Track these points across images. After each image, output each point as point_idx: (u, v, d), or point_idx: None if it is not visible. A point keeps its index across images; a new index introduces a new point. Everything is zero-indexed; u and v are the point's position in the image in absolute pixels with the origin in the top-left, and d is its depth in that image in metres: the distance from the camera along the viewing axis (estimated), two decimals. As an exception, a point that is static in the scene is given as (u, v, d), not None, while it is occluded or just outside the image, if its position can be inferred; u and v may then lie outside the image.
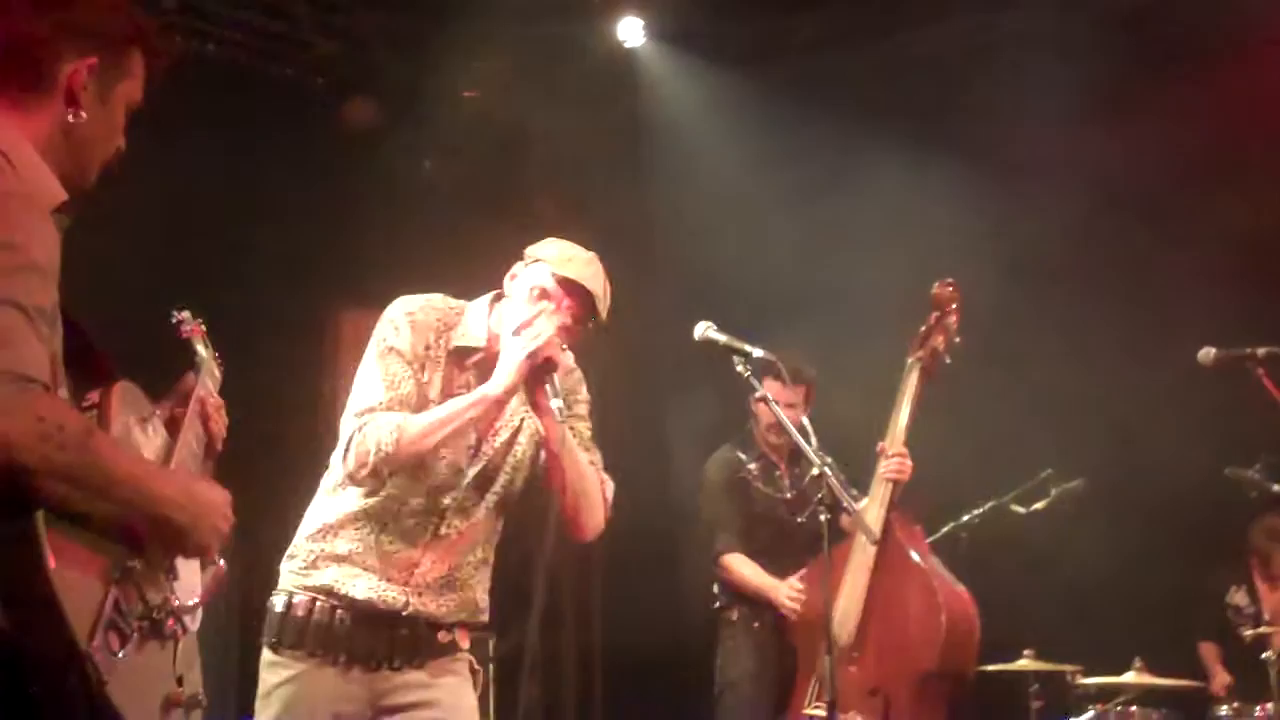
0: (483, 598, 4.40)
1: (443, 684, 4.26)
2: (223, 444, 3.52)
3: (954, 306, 6.43)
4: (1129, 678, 6.46)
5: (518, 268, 4.34)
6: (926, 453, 6.43)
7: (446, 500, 4.26)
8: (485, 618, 4.43)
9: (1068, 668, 6.58)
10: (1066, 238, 7.66)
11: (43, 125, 2.84)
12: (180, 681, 2.88)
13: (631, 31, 8.70)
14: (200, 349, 3.86)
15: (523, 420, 4.37)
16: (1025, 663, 6.53)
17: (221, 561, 3.12)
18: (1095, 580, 7.27)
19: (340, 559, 4.19)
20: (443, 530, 4.25)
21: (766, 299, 7.93)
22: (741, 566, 6.79)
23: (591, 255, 4.39)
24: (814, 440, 5.41)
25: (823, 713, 5.82)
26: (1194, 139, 7.53)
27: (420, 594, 4.21)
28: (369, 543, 4.19)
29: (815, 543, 6.61)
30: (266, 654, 4.23)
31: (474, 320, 4.32)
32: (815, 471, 5.30)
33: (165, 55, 3.04)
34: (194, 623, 3.01)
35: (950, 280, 6.49)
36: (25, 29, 2.84)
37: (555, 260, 4.29)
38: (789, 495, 6.91)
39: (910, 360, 6.43)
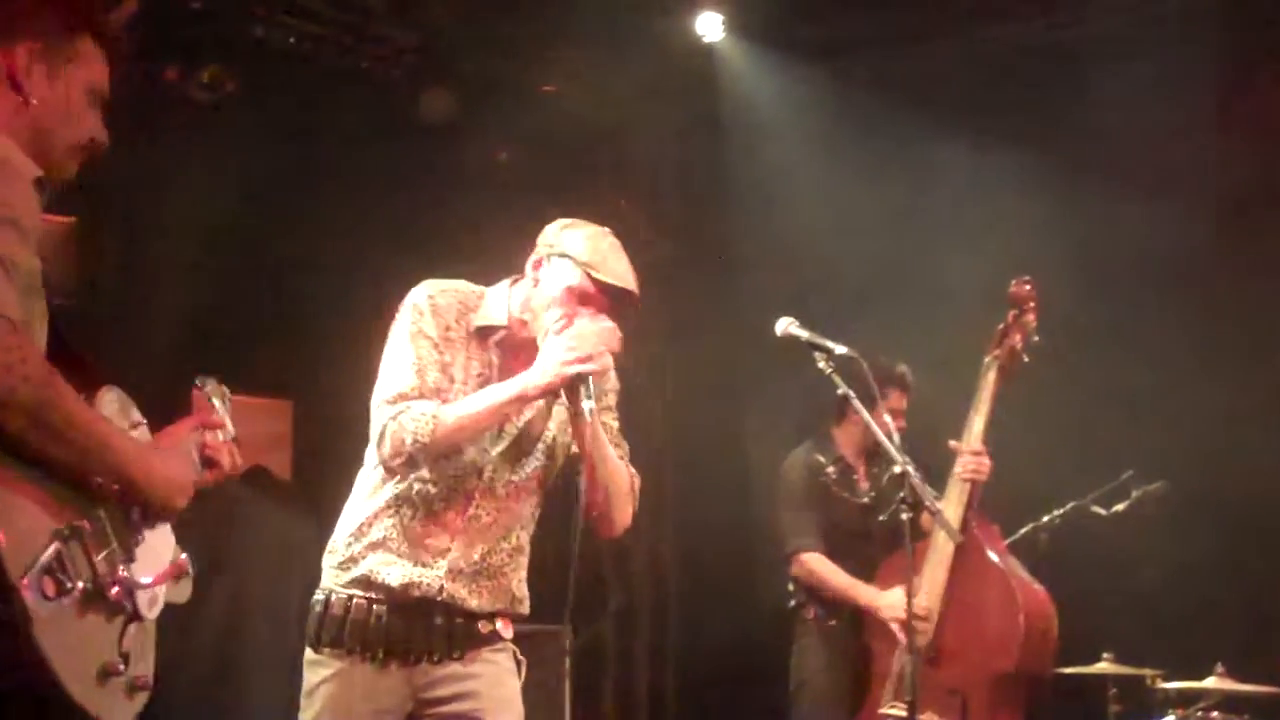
0: (519, 587, 4.45)
1: (482, 673, 4.29)
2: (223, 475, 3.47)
3: (1031, 305, 6.39)
4: (1210, 683, 6.38)
5: (543, 252, 4.27)
6: (1007, 452, 6.41)
7: (475, 481, 4.25)
8: (525, 608, 4.48)
9: (1147, 672, 6.51)
10: (1151, 236, 7.56)
11: (2, 113, 2.97)
12: (125, 660, 2.90)
13: (710, 26, 8.66)
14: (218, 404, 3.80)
15: (551, 405, 4.35)
16: (1104, 666, 6.48)
17: (184, 555, 3.21)
18: (1177, 583, 7.19)
19: (375, 546, 4.20)
20: (472, 512, 4.25)
21: (845, 294, 7.89)
22: (821, 567, 6.75)
23: (613, 239, 4.31)
24: (897, 438, 5.39)
25: (901, 712, 5.82)
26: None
27: (454, 579, 4.21)
28: (401, 527, 4.20)
29: (889, 542, 6.62)
30: (308, 653, 4.25)
31: (494, 302, 4.31)
32: (897, 470, 5.27)
33: (119, 38, 3.16)
34: (150, 609, 3.05)
35: (1027, 278, 6.44)
36: None
37: (590, 260, 4.19)
38: (865, 500, 6.88)
39: (988, 359, 6.41)
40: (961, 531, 6.24)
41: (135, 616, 2.97)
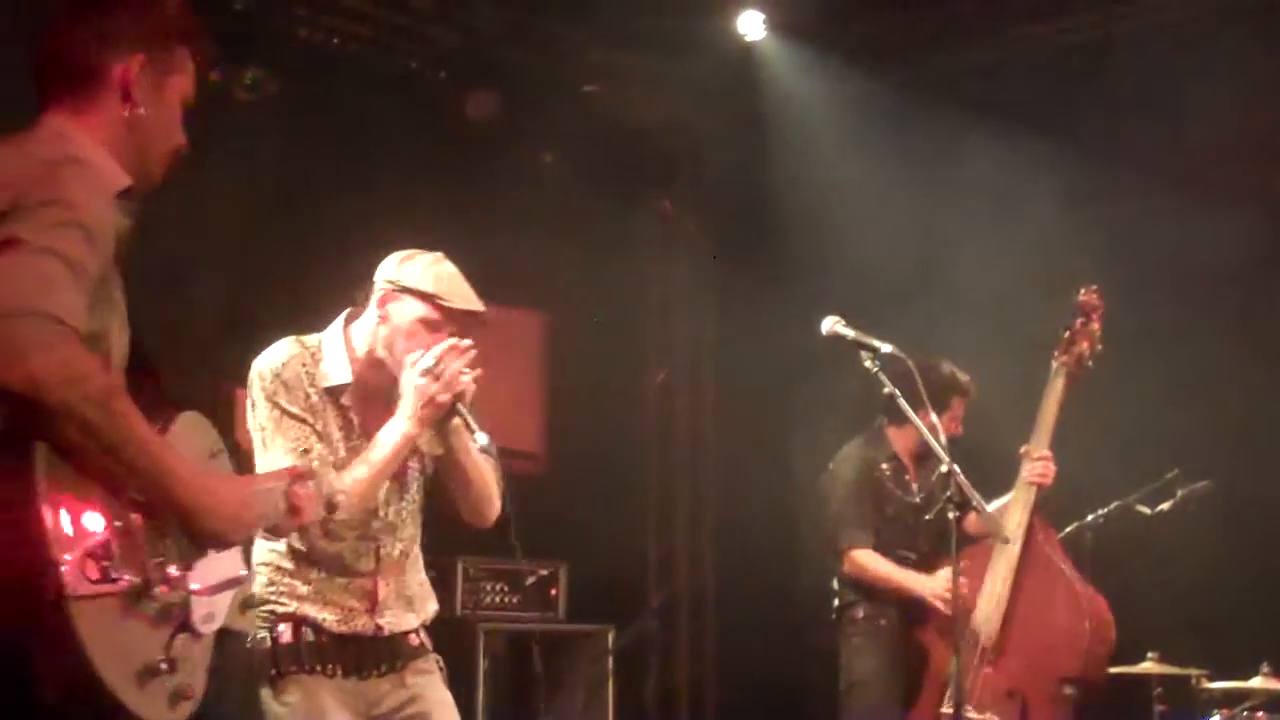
0: (426, 592, 4.57)
1: (420, 682, 4.44)
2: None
3: (1098, 312, 6.50)
4: (1256, 683, 6.35)
5: (386, 288, 4.32)
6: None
7: (374, 524, 4.38)
8: (435, 607, 4.60)
9: (1193, 671, 6.49)
10: (1194, 237, 7.53)
11: (104, 124, 3.03)
12: (171, 665, 2.89)
13: (752, 25, 8.66)
14: None
15: None
16: (1149, 665, 6.46)
17: (243, 570, 3.23)
18: (1222, 583, 7.15)
19: (303, 599, 4.31)
20: (383, 552, 4.39)
21: (888, 293, 7.87)
22: (873, 562, 6.72)
23: (449, 264, 4.39)
24: (943, 438, 5.39)
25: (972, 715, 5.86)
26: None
27: (384, 614, 4.37)
28: (324, 584, 4.32)
29: (936, 543, 6.61)
30: (265, 694, 4.30)
31: (332, 355, 4.36)
32: (944, 469, 5.28)
33: (208, 51, 3.23)
34: (205, 624, 3.04)
35: (1095, 287, 6.56)
36: (70, 38, 3.04)
37: (435, 290, 4.28)
38: (916, 500, 6.87)
39: (1055, 364, 6.47)
40: (1027, 535, 6.34)
41: (187, 626, 2.97)
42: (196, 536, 2.99)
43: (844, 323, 5.52)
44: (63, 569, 2.61)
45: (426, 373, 4.19)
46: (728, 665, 9.48)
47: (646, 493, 9.76)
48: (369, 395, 4.35)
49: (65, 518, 2.66)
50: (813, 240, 8.73)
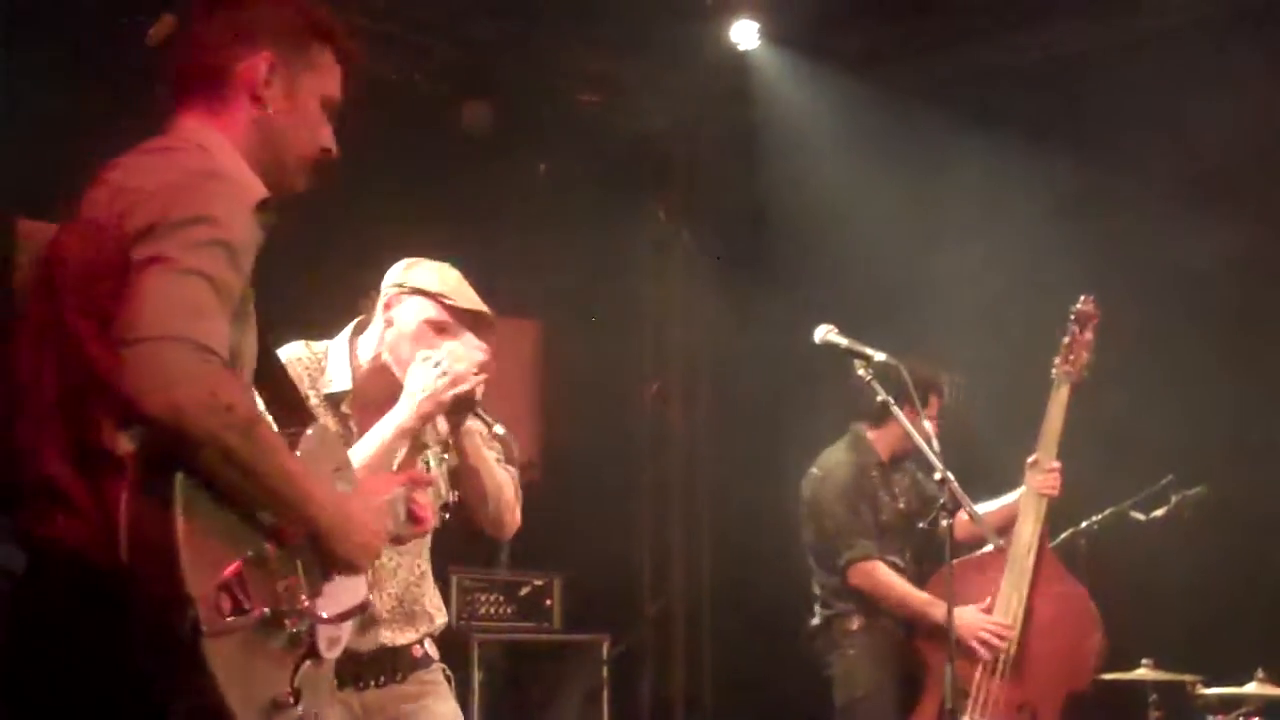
0: (433, 606, 4.50)
1: (422, 693, 4.38)
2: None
3: (1094, 322, 6.54)
4: (1251, 689, 6.35)
5: (392, 292, 4.32)
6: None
7: None
8: (442, 619, 4.53)
9: (1188, 678, 6.48)
10: (1185, 243, 7.55)
11: (237, 125, 2.98)
12: (296, 696, 2.86)
13: (746, 35, 8.68)
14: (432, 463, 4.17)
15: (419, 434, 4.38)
16: (1144, 672, 6.45)
17: (366, 595, 3.20)
18: (1217, 589, 7.15)
19: None
20: (377, 564, 4.24)
21: (882, 301, 7.89)
22: (889, 578, 6.61)
23: (456, 270, 4.39)
24: (936, 444, 5.40)
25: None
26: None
27: (380, 630, 4.30)
28: None
29: (924, 549, 6.62)
30: None
31: (336, 363, 4.33)
32: (937, 476, 5.29)
33: (354, 50, 3.15)
34: (329, 649, 3.01)
35: (1091, 296, 6.58)
36: (199, 36, 3.00)
37: (441, 290, 4.27)
38: (901, 504, 6.86)
39: (1057, 374, 6.49)
40: (1039, 547, 6.38)
41: (312, 653, 2.92)
42: (328, 561, 2.95)
43: (837, 331, 5.54)
44: (199, 604, 2.58)
45: (434, 366, 4.14)
46: (723, 675, 9.47)
47: (641, 502, 9.76)
48: (369, 404, 4.29)
49: (202, 550, 2.62)
50: (807, 249, 8.75)
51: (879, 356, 5.47)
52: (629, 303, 9.66)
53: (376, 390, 4.29)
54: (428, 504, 3.56)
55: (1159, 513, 6.90)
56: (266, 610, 2.76)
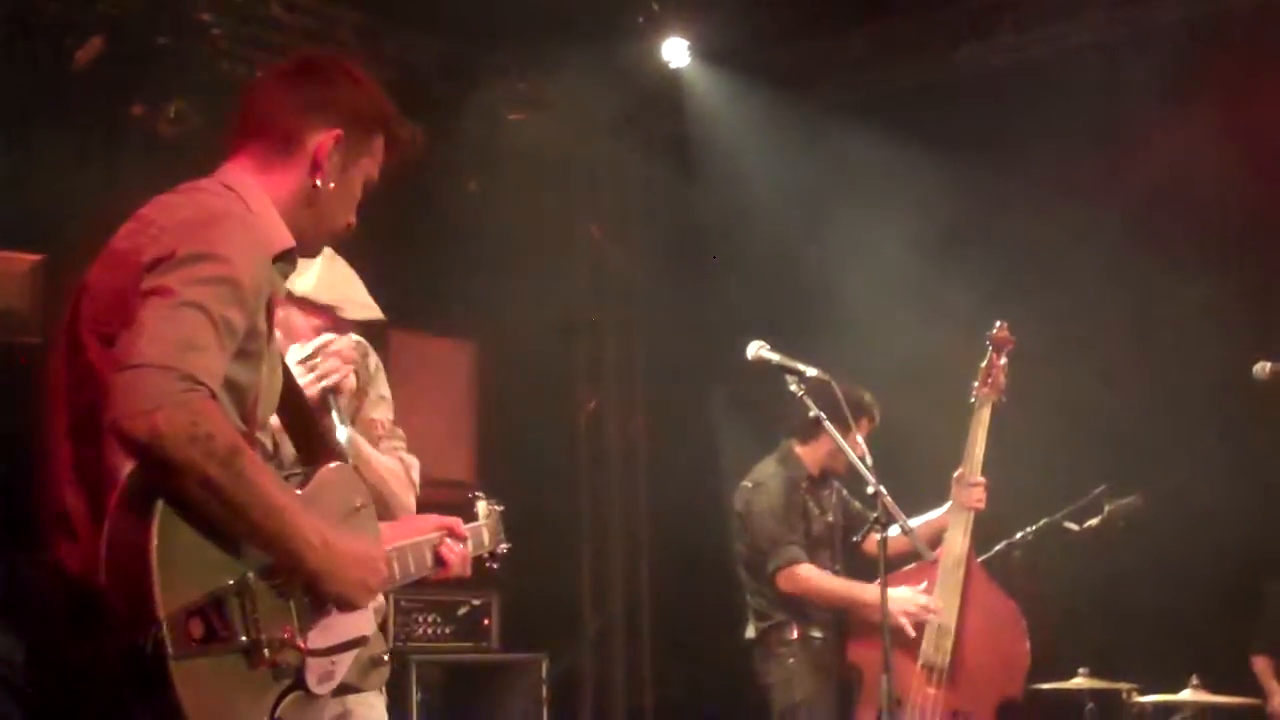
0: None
1: (360, 705, 4.17)
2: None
3: (1009, 347, 6.74)
4: (1185, 695, 6.42)
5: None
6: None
7: None
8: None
9: (1123, 685, 6.55)
10: (1116, 253, 7.64)
11: (286, 187, 3.07)
12: None
13: (676, 52, 8.71)
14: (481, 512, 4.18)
15: None
16: (1080, 681, 6.51)
17: (367, 631, 3.21)
18: (1150, 597, 7.21)
19: None
20: None
21: (814, 316, 7.92)
22: (815, 575, 6.66)
23: (343, 265, 4.24)
24: (869, 459, 5.43)
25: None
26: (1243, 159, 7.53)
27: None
28: None
29: (860, 565, 6.67)
30: None
31: None
32: (870, 490, 5.32)
33: (405, 142, 3.26)
34: (319, 684, 2.99)
35: (1004, 323, 6.78)
36: (282, 99, 3.10)
37: (330, 299, 4.15)
38: (830, 518, 6.90)
39: (978, 397, 6.67)
40: (966, 559, 6.49)
41: (299, 685, 2.91)
42: (320, 599, 2.96)
43: (768, 347, 5.57)
44: (166, 626, 2.60)
45: (301, 363, 4.00)
46: (665, 692, 9.47)
47: (579, 521, 9.74)
48: None
49: (177, 573, 2.64)
50: (741, 265, 8.78)
51: (810, 372, 5.50)
52: (563, 320, 9.66)
53: None
54: (461, 552, 3.63)
55: (1092, 522, 6.95)
56: (243, 639, 2.75)
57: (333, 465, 3.20)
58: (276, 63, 3.34)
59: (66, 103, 7.24)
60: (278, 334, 3.18)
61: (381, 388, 4.40)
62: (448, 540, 3.60)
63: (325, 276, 4.19)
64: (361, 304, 4.24)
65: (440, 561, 3.56)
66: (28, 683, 2.80)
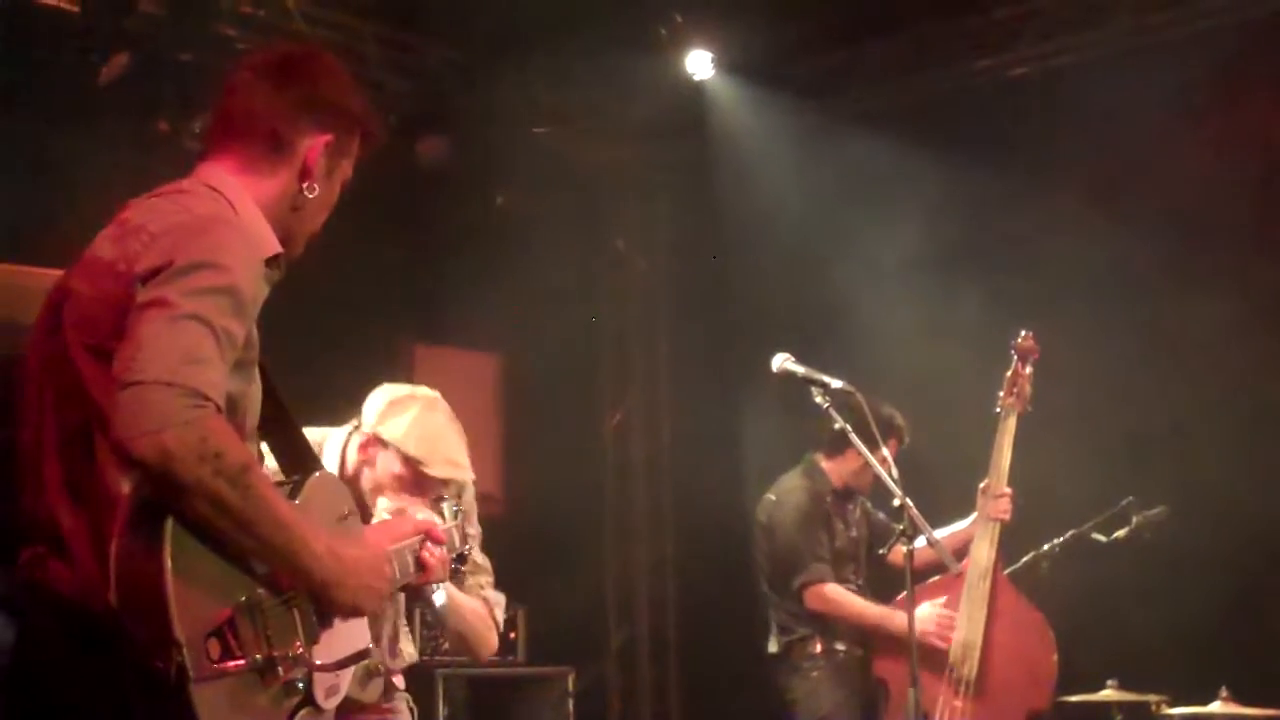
0: (409, 643, 4.42)
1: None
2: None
3: (1035, 356, 6.71)
4: (1215, 708, 6.37)
5: (369, 432, 4.14)
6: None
7: None
8: (413, 653, 4.46)
9: (1152, 697, 6.51)
10: (1141, 265, 7.61)
11: (272, 191, 3.02)
12: None
13: (700, 65, 8.71)
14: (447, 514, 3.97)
15: None
16: (1109, 693, 6.48)
17: (367, 644, 3.18)
18: (1180, 609, 7.17)
19: None
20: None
21: (838, 328, 7.91)
22: (844, 597, 6.67)
23: (442, 410, 4.23)
24: (895, 471, 5.41)
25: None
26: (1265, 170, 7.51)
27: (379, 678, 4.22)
28: None
29: (885, 579, 6.65)
30: None
31: (328, 457, 4.15)
32: (897, 503, 5.31)
33: (378, 140, 3.22)
34: (327, 698, 2.97)
35: (1029, 333, 6.74)
36: (271, 100, 3.02)
37: (417, 454, 4.10)
38: (854, 533, 6.89)
39: (1003, 407, 6.64)
40: (993, 570, 6.47)
41: (309, 701, 2.89)
42: (330, 609, 2.94)
43: (794, 359, 5.55)
44: (186, 649, 2.57)
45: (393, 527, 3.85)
46: (691, 706, 9.45)
47: (605, 534, 9.74)
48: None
49: (191, 594, 2.61)
50: (766, 277, 8.77)
51: (836, 384, 5.48)
52: (589, 333, 9.66)
53: (356, 494, 4.09)
54: (440, 555, 3.56)
55: (1120, 534, 6.93)
56: (258, 657, 2.73)
57: (318, 474, 3.16)
58: (250, 54, 3.24)
59: (93, 119, 7.26)
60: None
61: (471, 525, 4.33)
62: (428, 545, 3.53)
63: (419, 426, 4.14)
64: (448, 460, 4.15)
65: (422, 566, 3.50)
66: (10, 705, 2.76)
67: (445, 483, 4.16)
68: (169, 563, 2.58)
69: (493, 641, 4.42)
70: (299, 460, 3.22)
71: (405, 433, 4.12)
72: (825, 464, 6.86)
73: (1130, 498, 6.92)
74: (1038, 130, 7.96)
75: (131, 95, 7.41)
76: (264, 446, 3.18)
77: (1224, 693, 6.36)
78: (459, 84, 8.66)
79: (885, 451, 5.81)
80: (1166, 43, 7.90)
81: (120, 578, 2.61)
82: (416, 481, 4.12)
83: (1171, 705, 6.49)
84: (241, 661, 2.69)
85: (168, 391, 2.57)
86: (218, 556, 2.68)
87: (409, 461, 4.10)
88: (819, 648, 6.69)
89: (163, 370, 2.58)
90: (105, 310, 2.74)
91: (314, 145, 3.04)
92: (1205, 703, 6.39)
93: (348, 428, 4.25)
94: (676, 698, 9.59)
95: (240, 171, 3.00)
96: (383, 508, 4.09)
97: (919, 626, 6.19)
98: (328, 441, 4.22)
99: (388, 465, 4.13)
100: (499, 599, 4.44)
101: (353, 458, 4.20)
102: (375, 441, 4.15)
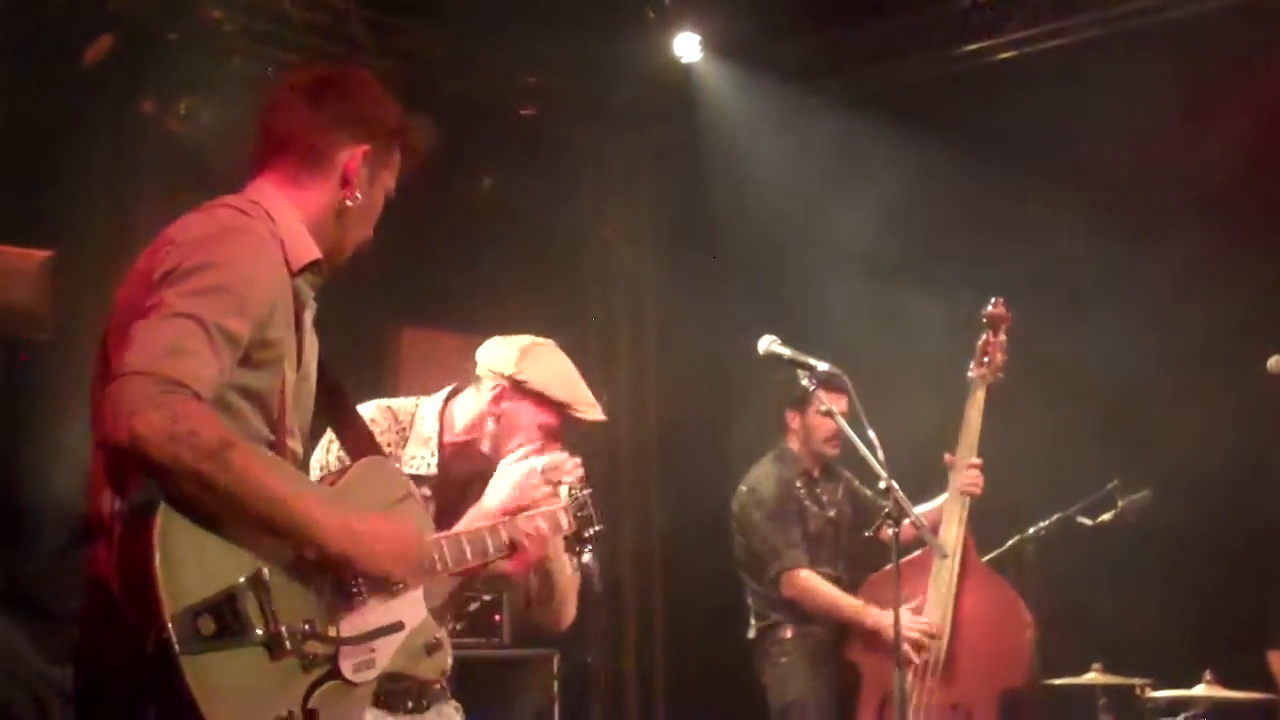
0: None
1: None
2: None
3: (1005, 324, 6.67)
4: (1199, 691, 6.40)
5: (501, 382, 4.06)
6: (991, 465, 6.54)
7: None
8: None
9: (1137, 681, 6.53)
10: (1130, 247, 7.61)
11: (316, 203, 3.16)
12: (311, 716, 2.88)
13: (688, 47, 8.70)
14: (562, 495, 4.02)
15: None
16: (1094, 676, 6.50)
17: (406, 617, 3.23)
18: (1164, 592, 7.19)
19: None
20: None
21: (824, 310, 7.91)
22: (819, 584, 6.70)
23: (561, 353, 4.19)
24: (880, 453, 5.40)
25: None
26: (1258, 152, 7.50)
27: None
28: None
29: (857, 557, 6.66)
30: None
31: (422, 434, 4.10)
32: (882, 485, 5.30)
33: (420, 151, 3.35)
34: (356, 672, 3.01)
35: (1000, 299, 6.71)
36: (309, 116, 3.16)
37: (564, 399, 4.05)
38: (831, 513, 6.89)
39: (973, 377, 6.61)
40: (964, 548, 6.43)
41: (335, 675, 2.96)
42: (352, 579, 3.03)
43: (780, 341, 5.54)
44: (169, 627, 2.64)
45: (538, 481, 3.93)
46: (676, 689, 9.46)
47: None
48: (448, 482, 4.07)
49: (182, 572, 2.70)
50: (754, 260, 8.76)
51: (822, 367, 5.47)
52: (575, 316, 9.65)
53: (459, 470, 4.09)
54: (538, 534, 3.72)
55: (1106, 517, 6.93)
56: (260, 631, 2.78)
57: (366, 460, 3.28)
58: (289, 72, 3.40)
59: (76, 100, 7.24)
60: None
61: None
62: (521, 522, 3.65)
63: (558, 371, 4.11)
64: (589, 403, 4.14)
65: (511, 545, 3.59)
66: (38, 675, 2.85)
67: (587, 425, 4.12)
68: (156, 543, 2.66)
69: (572, 613, 4.43)
70: (364, 452, 3.36)
71: (549, 376, 4.08)
72: (792, 446, 6.90)
73: (1115, 481, 6.93)
74: (1027, 113, 7.94)
75: (115, 77, 7.38)
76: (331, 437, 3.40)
77: (1208, 676, 6.38)
78: (447, 66, 8.63)
79: (870, 433, 5.80)
80: (1152, 26, 7.90)
81: (118, 561, 2.72)
82: (559, 427, 4.07)
83: (1156, 689, 6.51)
84: (237, 636, 2.74)
85: (142, 380, 2.67)
86: (217, 536, 2.76)
87: (555, 407, 4.05)
88: (789, 633, 6.77)
89: (142, 362, 2.70)
90: (132, 314, 2.85)
91: (352, 156, 3.16)
92: (1190, 686, 6.41)
93: (441, 393, 4.20)
94: (662, 682, 9.58)
95: (283, 185, 3.14)
96: (524, 469, 3.94)
97: (904, 636, 6.23)
98: (421, 414, 4.14)
99: (532, 416, 4.05)
100: (593, 567, 4.48)
101: (462, 419, 4.12)
102: (512, 391, 4.06)
